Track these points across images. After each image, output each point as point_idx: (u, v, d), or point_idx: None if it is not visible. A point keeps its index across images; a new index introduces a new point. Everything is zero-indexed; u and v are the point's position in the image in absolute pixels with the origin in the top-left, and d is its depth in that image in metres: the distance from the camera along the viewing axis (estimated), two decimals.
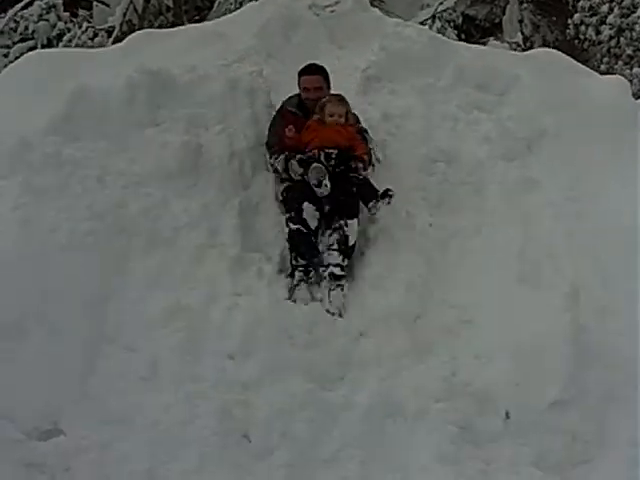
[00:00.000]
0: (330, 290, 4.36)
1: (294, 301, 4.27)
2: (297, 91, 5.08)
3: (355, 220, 4.51)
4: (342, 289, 4.37)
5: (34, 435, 3.48)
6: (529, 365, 3.93)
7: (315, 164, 4.53)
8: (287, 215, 4.55)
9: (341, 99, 4.87)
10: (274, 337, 3.98)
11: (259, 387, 3.74)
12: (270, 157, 4.85)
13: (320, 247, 4.52)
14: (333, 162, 4.64)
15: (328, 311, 4.24)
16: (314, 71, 5.04)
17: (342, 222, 4.48)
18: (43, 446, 3.43)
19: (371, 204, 4.55)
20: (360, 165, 4.66)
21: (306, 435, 3.61)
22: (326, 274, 4.40)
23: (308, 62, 5.13)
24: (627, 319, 4.28)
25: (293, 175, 4.66)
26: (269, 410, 3.65)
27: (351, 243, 4.48)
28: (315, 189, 4.52)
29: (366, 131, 5.03)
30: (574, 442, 3.81)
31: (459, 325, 4.22)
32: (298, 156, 4.66)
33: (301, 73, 5.06)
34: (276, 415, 3.65)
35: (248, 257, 4.31)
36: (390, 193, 4.56)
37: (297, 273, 4.39)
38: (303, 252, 4.44)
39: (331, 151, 4.66)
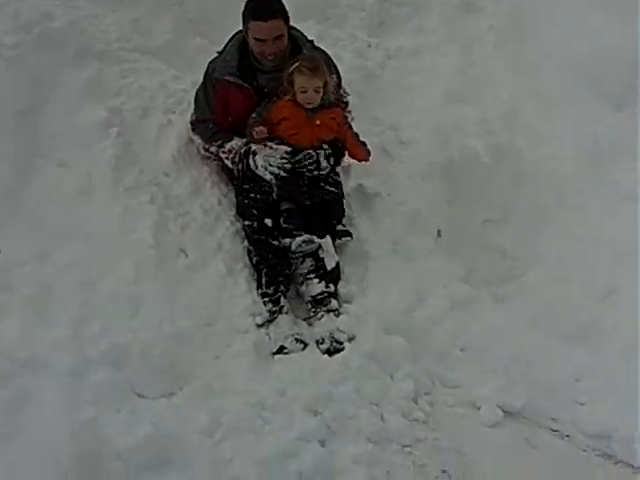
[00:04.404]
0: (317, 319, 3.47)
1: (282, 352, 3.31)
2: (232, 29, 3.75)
3: (328, 238, 3.61)
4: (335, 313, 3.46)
5: None
6: (461, 184, 3.99)
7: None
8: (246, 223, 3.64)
9: (315, 66, 3.50)
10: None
11: (194, 202, 3.73)
12: (207, 142, 3.80)
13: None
14: (332, 162, 3.69)
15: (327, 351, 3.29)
16: (271, 14, 3.49)
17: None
18: None
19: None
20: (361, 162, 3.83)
21: (241, 247, 3.66)
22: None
23: None
24: (559, 144, 4.38)
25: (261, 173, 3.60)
26: (204, 223, 3.66)
27: (330, 267, 3.57)
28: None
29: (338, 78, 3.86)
30: (504, 259, 3.92)
31: (395, 146, 4.24)
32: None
33: (250, 16, 3.52)
34: (210, 228, 3.67)
35: (181, 75, 4.18)
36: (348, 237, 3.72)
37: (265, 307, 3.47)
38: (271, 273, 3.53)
39: (325, 150, 3.66)
